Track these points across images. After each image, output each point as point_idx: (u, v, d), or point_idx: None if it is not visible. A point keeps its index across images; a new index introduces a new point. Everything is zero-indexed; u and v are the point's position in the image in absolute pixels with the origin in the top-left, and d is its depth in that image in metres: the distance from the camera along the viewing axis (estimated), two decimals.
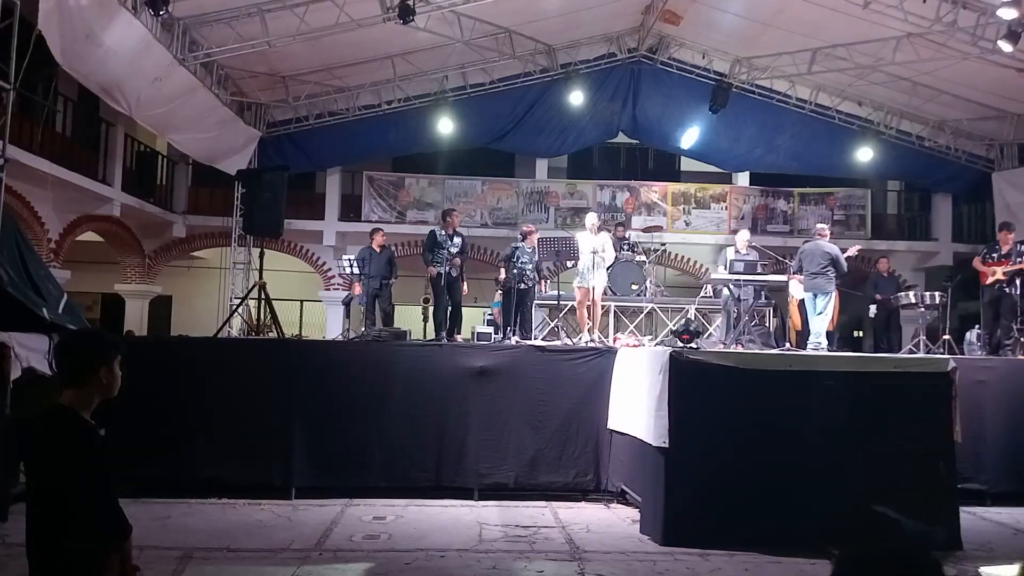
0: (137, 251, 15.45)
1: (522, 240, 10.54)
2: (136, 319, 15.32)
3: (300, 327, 16.61)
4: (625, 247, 12.39)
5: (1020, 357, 9.73)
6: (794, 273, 11.07)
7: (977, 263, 10.56)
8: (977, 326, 10.86)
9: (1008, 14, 9.93)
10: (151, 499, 7.06)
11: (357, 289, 11.81)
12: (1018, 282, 10.09)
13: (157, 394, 7.58)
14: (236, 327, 11.93)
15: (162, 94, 10.71)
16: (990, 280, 10.25)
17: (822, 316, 10.05)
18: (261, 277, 9.54)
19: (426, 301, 10.36)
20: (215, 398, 7.76)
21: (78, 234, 13.24)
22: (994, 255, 10.34)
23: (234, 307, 11.95)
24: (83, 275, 14.02)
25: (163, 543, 5.91)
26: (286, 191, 10.17)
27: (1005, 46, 10.40)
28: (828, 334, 10.27)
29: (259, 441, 7.71)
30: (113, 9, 9.00)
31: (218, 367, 7.96)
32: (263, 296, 9.46)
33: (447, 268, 9.93)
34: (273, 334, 9.84)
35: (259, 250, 9.89)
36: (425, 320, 10.35)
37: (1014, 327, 10.01)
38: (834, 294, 10.20)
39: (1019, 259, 10.13)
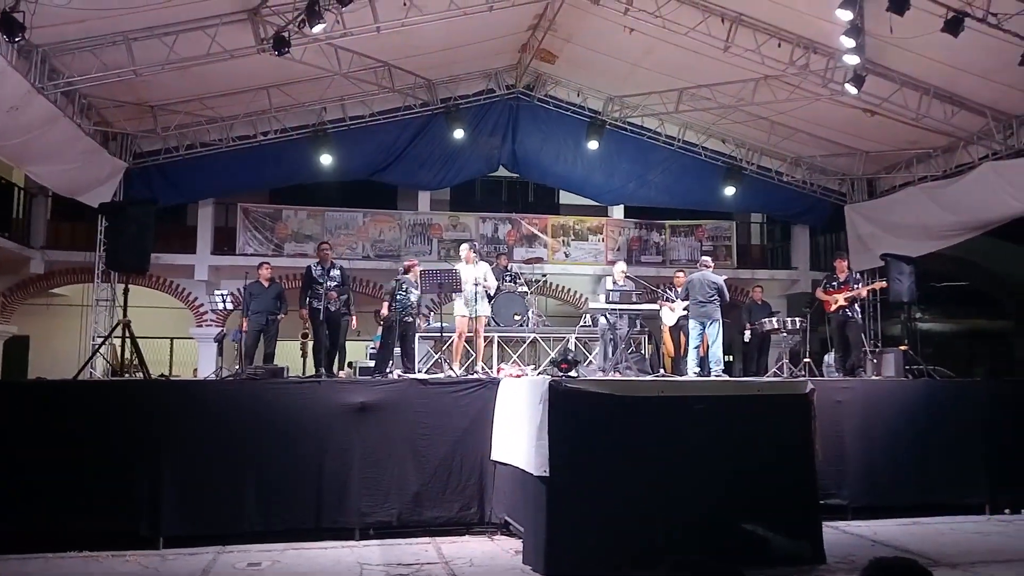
0: None
1: (404, 273, 10.50)
2: None
3: (170, 366, 15.85)
4: (508, 278, 12.53)
5: (874, 377, 10.44)
6: (665, 302, 11.52)
7: (819, 293, 11.26)
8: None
9: (852, 60, 10.78)
10: (6, 555, 6.61)
11: (245, 325, 11.07)
12: (857, 307, 10.91)
13: (12, 441, 7.11)
14: (99, 368, 11.27)
15: (18, 124, 10.09)
16: (834, 308, 10.94)
17: (717, 343, 10.47)
18: (125, 315, 9.08)
19: (304, 336, 10.13)
20: (76, 444, 7.29)
21: None
22: (834, 284, 11.05)
23: (96, 347, 11.29)
24: None
25: None
26: (154, 224, 9.74)
27: (851, 89, 11.26)
28: (701, 360, 10.71)
29: (124, 489, 7.29)
30: None
31: (79, 411, 7.50)
32: (128, 335, 9.00)
33: (324, 303, 9.75)
34: (140, 374, 9.37)
35: (123, 286, 9.42)
36: (304, 356, 10.10)
37: (864, 349, 10.75)
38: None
39: (856, 285, 10.91)
